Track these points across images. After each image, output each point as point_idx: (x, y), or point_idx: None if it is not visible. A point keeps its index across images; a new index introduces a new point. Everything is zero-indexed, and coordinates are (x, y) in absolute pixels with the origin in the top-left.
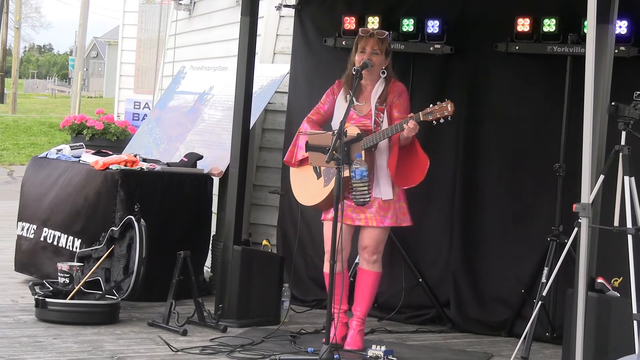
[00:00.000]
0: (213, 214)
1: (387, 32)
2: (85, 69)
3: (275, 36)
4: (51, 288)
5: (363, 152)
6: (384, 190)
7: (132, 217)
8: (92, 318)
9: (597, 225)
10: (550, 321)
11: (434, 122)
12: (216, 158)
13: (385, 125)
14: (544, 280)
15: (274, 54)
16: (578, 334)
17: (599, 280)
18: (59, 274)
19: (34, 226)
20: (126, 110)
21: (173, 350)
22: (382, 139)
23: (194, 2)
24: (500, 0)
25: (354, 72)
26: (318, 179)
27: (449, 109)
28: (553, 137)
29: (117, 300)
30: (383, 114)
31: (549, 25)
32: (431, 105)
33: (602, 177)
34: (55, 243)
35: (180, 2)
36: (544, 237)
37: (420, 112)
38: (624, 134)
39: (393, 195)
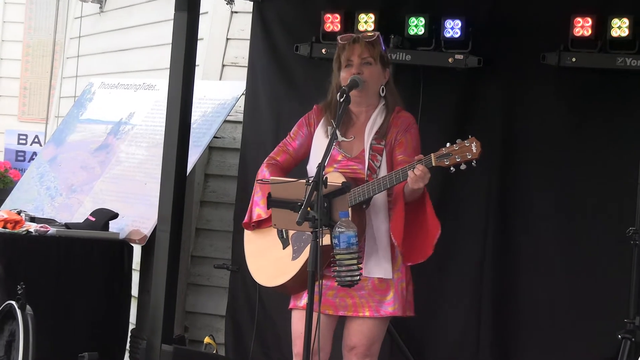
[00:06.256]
0: (132, 298)
1: (377, 32)
2: None
3: (225, 41)
4: None
5: (350, 209)
6: (381, 266)
7: (13, 302)
8: None
9: None
10: None
11: (451, 168)
12: (137, 217)
13: (383, 172)
14: None
15: (223, 66)
16: None
17: None
18: None
19: None
20: (6, 147)
21: None
22: (379, 191)
23: None
24: None
25: (339, 99)
26: (284, 248)
27: (474, 150)
28: (625, 188)
29: None
30: (381, 155)
31: (620, 27)
32: (448, 145)
33: None
34: None
35: None
36: (613, 333)
37: (432, 155)
38: None
39: (394, 272)
